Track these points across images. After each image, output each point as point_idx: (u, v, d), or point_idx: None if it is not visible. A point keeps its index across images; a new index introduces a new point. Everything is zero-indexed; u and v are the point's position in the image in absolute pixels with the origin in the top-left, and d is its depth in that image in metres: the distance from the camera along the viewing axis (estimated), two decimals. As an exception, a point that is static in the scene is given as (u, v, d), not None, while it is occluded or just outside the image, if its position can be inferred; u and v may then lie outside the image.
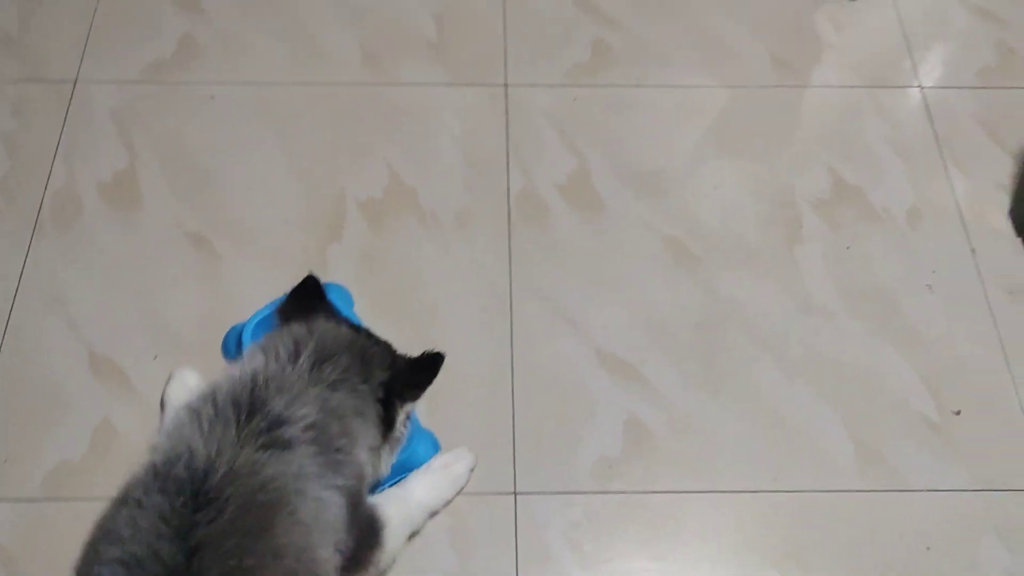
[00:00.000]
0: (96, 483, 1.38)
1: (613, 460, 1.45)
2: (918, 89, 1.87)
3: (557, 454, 1.45)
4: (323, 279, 1.55)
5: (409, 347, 1.23)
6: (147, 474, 1.01)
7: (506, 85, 1.84)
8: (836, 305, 1.61)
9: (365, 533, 1.17)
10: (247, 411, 1.02)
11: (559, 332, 1.56)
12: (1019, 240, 1.68)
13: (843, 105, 1.86)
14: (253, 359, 1.09)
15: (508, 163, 1.74)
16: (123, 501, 1.00)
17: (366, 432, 1.14)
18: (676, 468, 1.45)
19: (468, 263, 1.63)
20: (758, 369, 1.54)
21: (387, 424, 1.17)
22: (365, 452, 1.14)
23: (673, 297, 1.61)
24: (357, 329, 1.21)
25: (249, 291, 1.55)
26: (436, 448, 1.39)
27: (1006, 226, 1.70)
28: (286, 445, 1.02)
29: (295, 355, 1.09)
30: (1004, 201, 1.73)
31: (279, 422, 1.03)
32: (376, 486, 1.27)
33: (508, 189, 1.71)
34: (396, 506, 1.28)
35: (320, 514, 1.03)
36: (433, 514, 1.36)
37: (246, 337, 1.37)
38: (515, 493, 1.41)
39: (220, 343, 1.48)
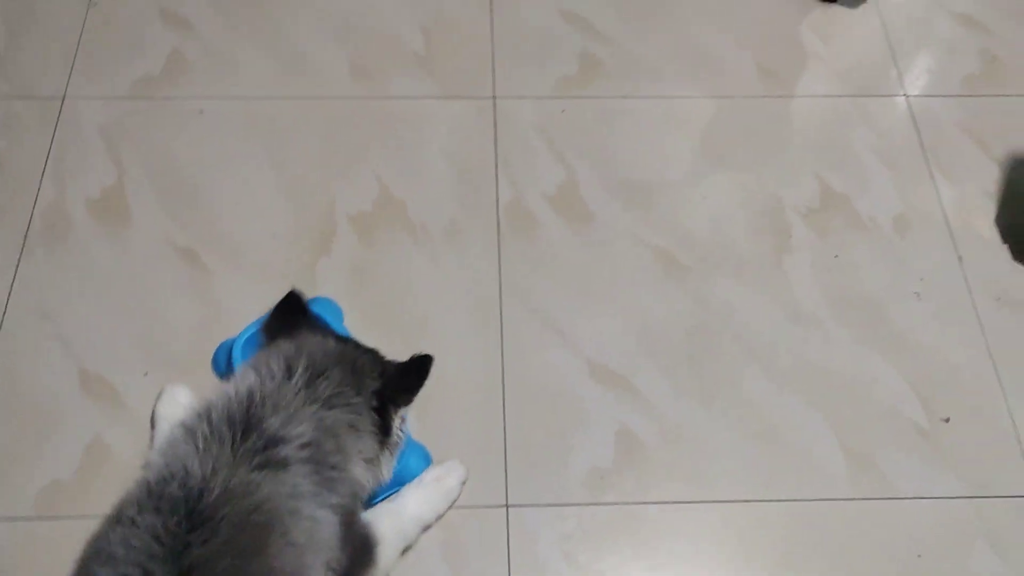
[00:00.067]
0: (88, 501, 1.37)
1: (605, 471, 1.45)
2: (903, 97, 1.89)
3: (548, 465, 1.45)
4: (313, 293, 1.57)
5: (398, 357, 1.23)
6: (141, 492, 1.01)
7: (494, 97, 1.85)
8: (825, 314, 1.62)
9: (359, 551, 1.17)
10: (242, 429, 1.02)
11: (549, 343, 1.57)
12: (1006, 247, 1.69)
13: (830, 114, 1.87)
14: (246, 377, 1.09)
15: (497, 175, 1.74)
16: (116, 519, 1.00)
17: (361, 446, 1.14)
18: (668, 478, 1.45)
19: (458, 275, 1.63)
20: (748, 378, 1.55)
21: (384, 431, 1.17)
22: (360, 467, 1.14)
23: (663, 307, 1.61)
24: (343, 340, 1.21)
25: (239, 306, 1.55)
26: (428, 461, 1.39)
27: (992, 233, 1.71)
28: (282, 464, 1.02)
29: (289, 373, 1.09)
30: (990, 208, 1.74)
31: (275, 441, 1.03)
32: (370, 500, 1.27)
33: (497, 201, 1.71)
34: (389, 521, 1.28)
35: (314, 534, 1.03)
36: (427, 528, 1.36)
37: (236, 352, 1.37)
38: (507, 506, 1.41)
39: (210, 358, 1.48)
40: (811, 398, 1.53)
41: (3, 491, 1.39)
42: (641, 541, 1.40)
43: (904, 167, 1.79)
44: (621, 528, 1.41)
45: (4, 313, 1.55)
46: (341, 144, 1.77)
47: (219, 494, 0.97)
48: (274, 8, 1.95)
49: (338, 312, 1.47)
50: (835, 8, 2.02)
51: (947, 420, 1.51)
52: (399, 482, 1.33)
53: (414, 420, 1.46)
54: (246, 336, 1.37)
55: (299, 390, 1.08)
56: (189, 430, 1.04)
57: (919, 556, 1.40)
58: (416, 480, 1.37)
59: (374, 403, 1.16)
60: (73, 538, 1.06)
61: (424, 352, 1.20)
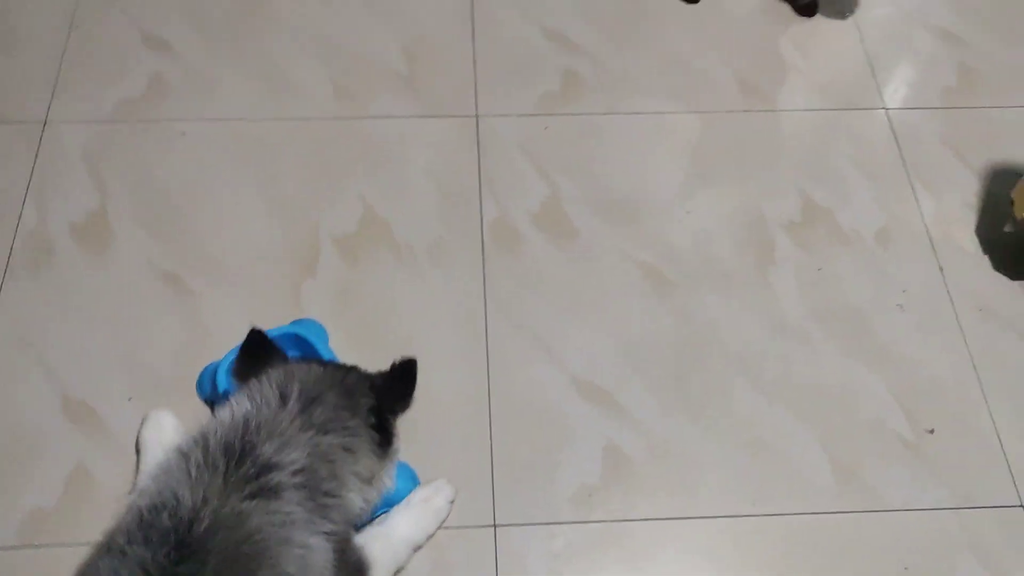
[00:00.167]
0: (72, 529, 1.36)
1: (593, 488, 1.45)
2: (883, 111, 1.90)
3: (536, 484, 1.45)
4: (298, 314, 1.57)
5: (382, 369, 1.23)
6: (132, 521, 1.00)
7: (477, 116, 1.85)
8: (810, 327, 1.62)
9: None
10: (237, 457, 1.02)
11: (535, 360, 1.57)
12: (987, 258, 1.71)
13: (811, 128, 1.88)
14: (241, 405, 1.09)
15: (481, 193, 1.75)
16: (107, 548, 1.00)
17: (358, 467, 1.14)
18: (655, 494, 1.45)
19: (443, 294, 1.63)
20: (734, 392, 1.55)
21: (385, 442, 1.17)
22: (356, 491, 1.14)
23: (648, 322, 1.62)
24: (326, 363, 1.21)
25: (224, 328, 1.54)
26: (415, 482, 1.38)
27: (973, 244, 1.72)
28: (274, 492, 1.01)
29: (283, 400, 1.09)
30: (971, 219, 1.76)
31: (268, 468, 1.02)
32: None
33: (481, 219, 1.72)
34: (380, 544, 1.28)
35: (306, 562, 1.03)
36: (417, 549, 1.36)
37: (221, 376, 1.36)
38: (495, 525, 1.41)
39: (195, 382, 1.48)
40: (797, 411, 1.53)
41: (-14, 520, 1.38)
42: (630, 558, 1.40)
43: (885, 180, 1.81)
44: (610, 546, 1.40)
45: (-14, 339, 1.54)
46: (325, 165, 1.77)
47: (209, 524, 0.97)
48: (256, 30, 1.95)
49: (323, 334, 1.46)
50: (815, 22, 2.04)
51: (932, 431, 1.52)
52: (387, 504, 1.33)
53: (400, 440, 1.46)
54: (230, 359, 1.37)
55: (294, 417, 1.08)
56: (184, 456, 1.04)
57: (906, 568, 1.40)
58: (404, 501, 1.36)
59: (372, 420, 1.16)
60: (57, 567, 1.06)
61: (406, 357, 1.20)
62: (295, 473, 1.04)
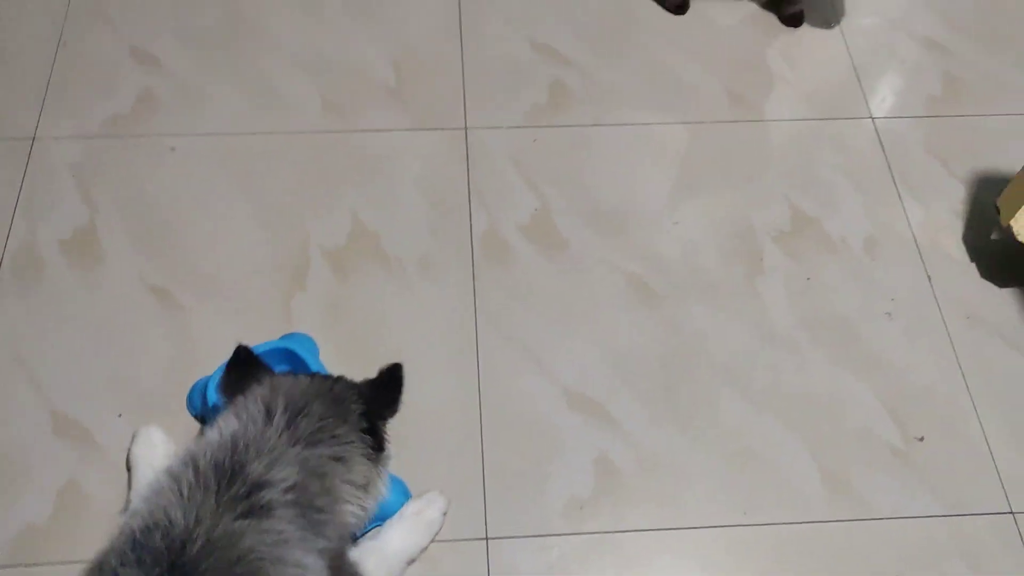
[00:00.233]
0: (63, 546, 1.36)
1: (584, 500, 1.45)
2: (869, 120, 1.92)
3: (527, 496, 1.45)
4: (288, 328, 1.57)
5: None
6: (125, 542, 1.00)
7: (466, 128, 1.86)
8: (799, 336, 1.63)
9: None
10: (228, 477, 1.02)
11: (526, 372, 1.57)
12: (974, 266, 1.72)
13: (798, 138, 1.89)
14: (229, 424, 1.09)
15: (470, 205, 1.75)
16: (99, 570, 0.99)
17: (351, 475, 1.14)
18: (646, 506, 1.45)
19: (434, 306, 1.63)
20: (724, 402, 1.56)
21: (377, 447, 1.17)
22: (351, 500, 1.13)
23: (638, 333, 1.62)
24: (313, 375, 1.21)
25: (214, 343, 1.54)
26: (407, 495, 1.38)
27: (960, 252, 1.74)
28: (266, 510, 1.01)
29: (269, 415, 1.09)
30: (958, 227, 1.77)
31: (258, 486, 1.02)
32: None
33: (471, 231, 1.72)
34: (375, 559, 1.28)
35: None
36: (411, 562, 1.36)
37: (211, 391, 1.36)
38: (487, 538, 1.41)
39: (185, 397, 1.47)
40: (787, 420, 1.54)
41: (-24, 538, 1.38)
42: (622, 570, 1.40)
43: (872, 188, 1.82)
44: (602, 557, 1.41)
45: (-24, 357, 1.54)
46: (314, 179, 1.77)
47: (202, 545, 0.96)
48: (244, 44, 1.95)
49: (314, 348, 1.46)
50: (801, 33, 2.05)
51: (921, 439, 1.53)
52: (379, 517, 1.33)
53: (391, 452, 1.46)
54: (220, 375, 1.37)
55: (281, 431, 1.08)
56: (175, 478, 1.04)
57: None
58: (397, 514, 1.36)
59: (364, 425, 1.16)
60: (47, 586, 1.05)
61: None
62: (286, 490, 1.03)
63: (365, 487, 1.16)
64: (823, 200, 1.80)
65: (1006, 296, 1.68)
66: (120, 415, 1.48)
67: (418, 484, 1.42)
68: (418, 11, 2.03)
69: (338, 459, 1.11)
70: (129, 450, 1.41)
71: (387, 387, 1.19)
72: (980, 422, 1.54)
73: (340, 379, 1.22)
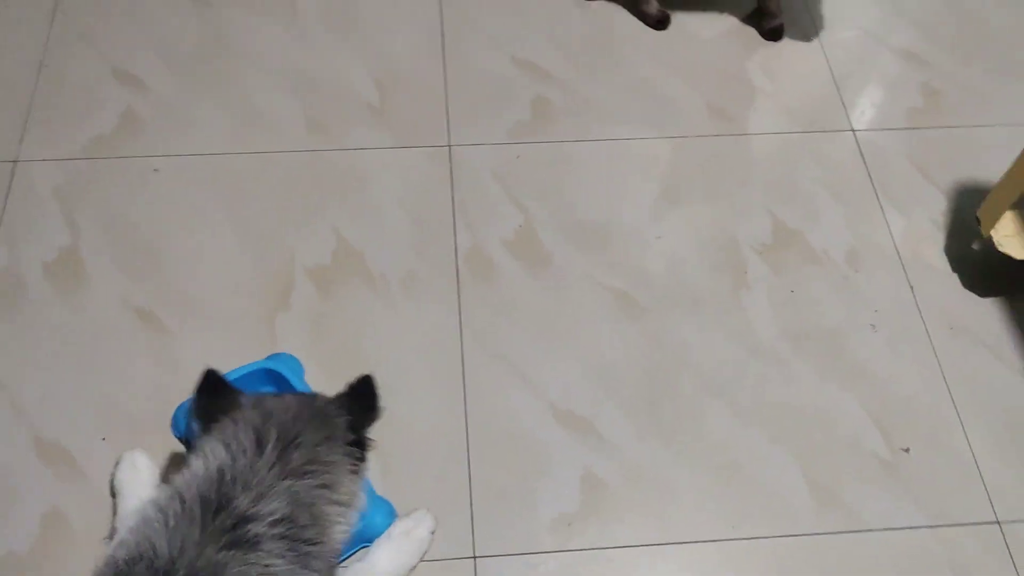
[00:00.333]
0: (46, 573, 1.34)
1: (571, 516, 1.45)
2: (850, 132, 1.93)
3: (515, 513, 1.45)
4: (273, 348, 1.57)
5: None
6: (109, 572, 0.99)
7: (450, 145, 1.86)
8: (784, 348, 1.63)
9: None
10: (214, 509, 1.01)
11: (512, 388, 1.57)
12: (956, 276, 1.73)
13: (780, 151, 1.90)
14: (217, 454, 1.07)
15: (455, 222, 1.75)
16: None
17: (337, 496, 1.13)
18: (634, 521, 1.45)
19: (418, 324, 1.63)
20: (710, 416, 1.56)
21: (361, 457, 1.17)
22: (338, 521, 1.13)
23: (623, 348, 1.62)
24: (297, 396, 1.20)
25: (199, 365, 1.50)
26: (392, 516, 1.38)
27: (942, 263, 1.75)
28: (252, 543, 1.00)
29: (260, 446, 1.07)
30: (939, 238, 1.78)
31: (245, 520, 1.01)
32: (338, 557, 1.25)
33: (455, 248, 1.72)
34: None
35: None
36: (400, 582, 1.36)
37: (182, 416, 1.35)
38: (474, 557, 1.40)
39: (169, 421, 1.46)
40: (773, 433, 1.54)
41: (-41, 566, 1.36)
42: (610, 586, 1.40)
43: (854, 200, 1.83)
44: (590, 574, 1.40)
45: (-42, 382, 1.52)
46: (298, 198, 1.77)
47: (184, 575, 0.96)
48: (227, 64, 1.95)
49: (298, 368, 1.46)
50: (781, 46, 2.07)
51: (907, 450, 1.53)
52: (365, 539, 1.32)
53: (378, 472, 1.46)
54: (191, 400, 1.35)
55: (272, 464, 1.06)
56: (161, 509, 1.03)
57: (886, 588, 1.41)
58: (385, 535, 1.36)
59: (350, 438, 1.16)
60: (30, 614, 1.04)
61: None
62: (274, 523, 1.02)
63: (350, 503, 1.16)
64: (805, 212, 1.80)
65: (988, 306, 1.69)
66: (104, 439, 1.47)
67: (405, 503, 1.41)
68: (400, 29, 2.04)
69: (325, 486, 1.10)
70: (113, 475, 1.40)
71: (364, 395, 1.19)
72: (965, 432, 1.55)
73: (319, 396, 1.22)
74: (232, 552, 0.98)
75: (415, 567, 1.37)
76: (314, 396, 1.21)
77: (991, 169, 1.78)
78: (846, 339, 1.65)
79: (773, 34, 2.07)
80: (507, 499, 1.46)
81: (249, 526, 1.01)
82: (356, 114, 1.89)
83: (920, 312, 1.68)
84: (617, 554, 1.42)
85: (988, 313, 1.68)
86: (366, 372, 1.20)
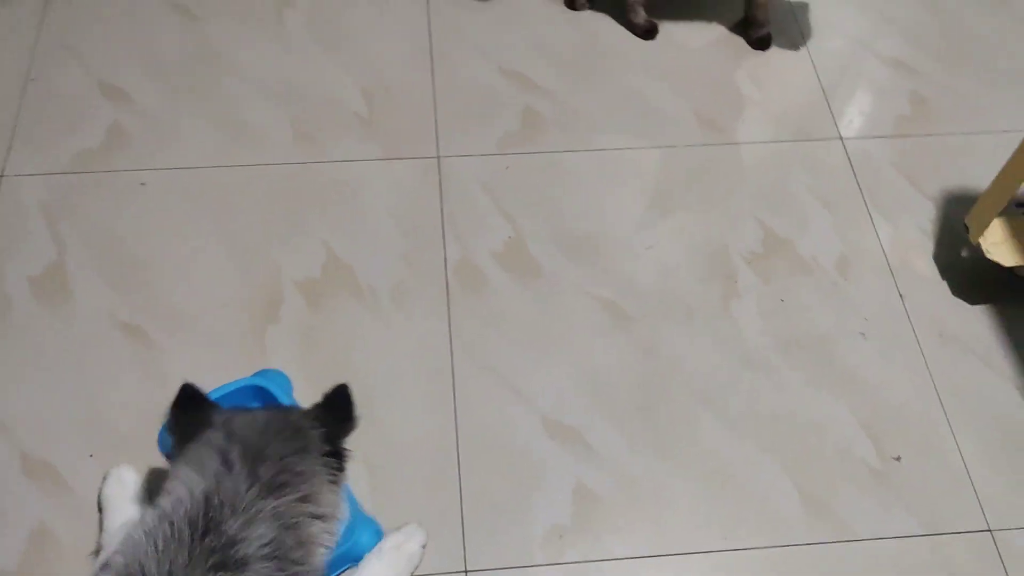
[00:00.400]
0: (33, 591, 1.34)
1: (564, 529, 1.44)
2: (839, 140, 1.93)
3: (507, 527, 1.44)
4: (263, 361, 1.56)
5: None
6: None
7: (439, 157, 1.86)
8: (774, 357, 1.63)
9: None
10: (202, 532, 1.01)
11: (503, 400, 1.56)
12: (945, 283, 1.73)
13: (769, 159, 1.91)
14: (191, 479, 1.06)
15: (444, 234, 1.75)
16: None
17: (320, 511, 1.12)
18: (627, 533, 1.45)
19: (409, 336, 1.63)
20: (701, 426, 1.55)
21: (339, 468, 1.16)
22: (323, 540, 1.12)
23: (614, 359, 1.62)
24: (266, 409, 1.19)
25: (186, 379, 1.52)
26: (379, 535, 1.37)
27: (932, 270, 1.75)
28: (240, 564, 1.00)
29: (228, 465, 1.07)
30: (928, 245, 1.78)
31: (233, 542, 1.01)
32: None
33: (445, 260, 1.72)
34: None
35: None
36: (392, 599, 1.35)
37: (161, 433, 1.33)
38: (466, 571, 1.39)
39: (156, 437, 1.45)
40: (765, 443, 1.54)
41: (-56, 585, 1.35)
42: (603, 599, 1.39)
43: (843, 208, 1.83)
44: (582, 587, 1.40)
45: (-57, 399, 1.51)
46: (286, 210, 1.77)
47: None
48: (214, 76, 1.95)
49: (287, 384, 1.45)
50: (769, 55, 2.07)
51: (898, 458, 1.53)
52: (350, 558, 1.31)
53: (367, 486, 1.45)
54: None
55: (250, 485, 1.06)
56: (149, 533, 1.02)
57: (879, 598, 1.40)
58: (375, 550, 1.35)
59: (326, 448, 1.15)
60: (16, 635, 1.03)
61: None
62: (263, 546, 1.02)
63: (332, 514, 1.15)
64: (795, 221, 1.81)
65: (978, 313, 1.69)
66: (91, 455, 1.46)
67: (395, 517, 1.41)
68: (389, 40, 2.03)
69: (305, 499, 1.10)
70: (100, 491, 1.39)
71: (339, 405, 1.19)
72: (956, 440, 1.55)
73: (292, 408, 1.21)
74: (220, 574, 0.98)
75: (406, 582, 1.36)
76: (287, 409, 1.20)
77: (979, 176, 1.78)
78: (836, 347, 1.65)
79: (761, 43, 2.08)
80: (499, 512, 1.45)
81: (237, 547, 1.00)
82: (344, 126, 1.89)
83: (910, 320, 1.68)
84: (610, 566, 1.41)
85: (977, 320, 1.69)
86: (342, 381, 1.19)
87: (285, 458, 1.10)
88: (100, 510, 1.39)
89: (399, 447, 1.50)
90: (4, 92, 1.90)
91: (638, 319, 1.66)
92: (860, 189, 1.86)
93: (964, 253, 1.68)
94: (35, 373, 1.54)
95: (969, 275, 1.73)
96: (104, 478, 1.40)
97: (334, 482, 1.15)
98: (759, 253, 1.76)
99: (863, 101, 2.02)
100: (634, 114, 1.95)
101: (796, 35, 2.10)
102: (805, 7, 2.14)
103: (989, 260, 1.62)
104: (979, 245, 1.63)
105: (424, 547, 1.39)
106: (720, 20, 2.12)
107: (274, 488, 1.07)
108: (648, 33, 2.08)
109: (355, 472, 1.46)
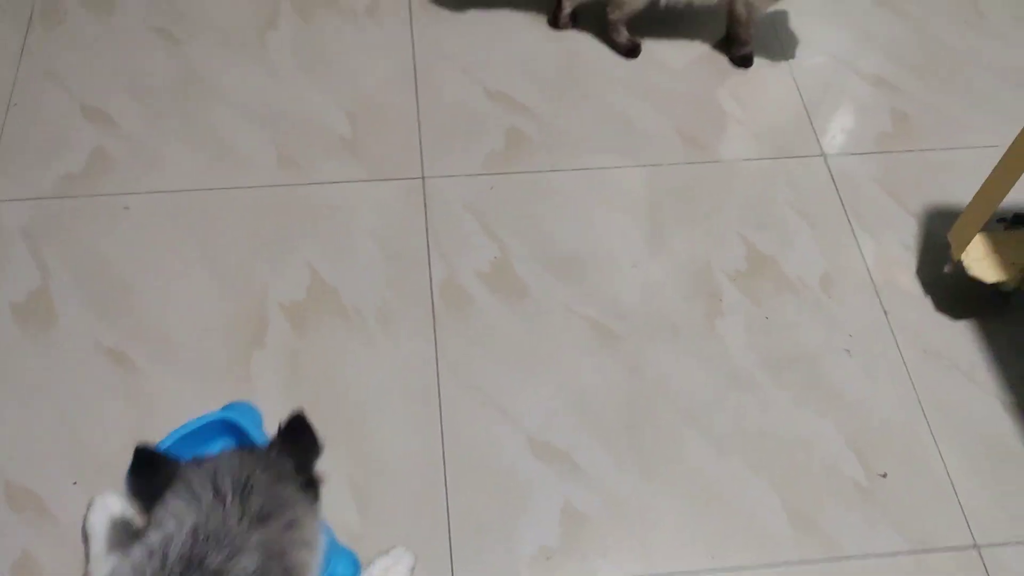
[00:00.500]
0: (16, 622, 1.32)
1: (552, 550, 1.44)
2: (821, 157, 1.94)
3: (495, 548, 1.44)
4: (248, 386, 1.56)
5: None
6: None
7: (423, 178, 1.86)
8: (760, 376, 1.64)
9: None
10: (188, 566, 1.00)
11: (489, 421, 1.56)
12: (929, 299, 1.74)
13: (752, 177, 1.92)
14: (183, 513, 1.06)
15: (429, 255, 1.75)
16: None
17: (305, 536, 1.12)
18: (614, 553, 1.44)
19: (395, 358, 1.62)
20: (688, 445, 1.56)
21: (315, 495, 1.16)
22: (308, 567, 1.11)
23: (600, 378, 1.62)
24: (236, 450, 1.19)
25: (172, 405, 1.52)
26: (356, 566, 1.34)
27: (915, 286, 1.76)
28: None
29: (220, 498, 1.06)
30: (911, 261, 1.79)
31: (219, 573, 1.00)
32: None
33: (431, 280, 1.72)
34: None
35: None
36: (379, 623, 1.34)
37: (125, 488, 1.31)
38: (454, 595, 1.39)
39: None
40: (751, 460, 1.54)
41: (-74, 617, 1.34)
42: (591, 621, 1.39)
43: (826, 225, 1.84)
44: (571, 609, 1.39)
45: (-75, 427, 1.50)
46: (271, 233, 1.76)
47: None
48: (197, 99, 1.95)
49: (257, 417, 1.42)
50: (752, 73, 2.09)
51: (884, 475, 1.53)
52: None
53: (355, 510, 1.45)
54: (166, 446, 1.32)
55: (240, 516, 1.05)
56: (136, 567, 1.01)
57: (867, 616, 1.40)
58: (364, 574, 1.34)
59: (300, 478, 1.14)
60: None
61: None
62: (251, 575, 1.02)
63: (315, 542, 1.15)
64: (779, 238, 1.81)
65: (961, 328, 1.70)
66: (75, 483, 1.45)
67: (382, 540, 1.40)
68: (372, 61, 2.04)
69: (291, 525, 1.09)
70: (85, 519, 1.38)
71: (300, 434, 1.18)
72: (941, 455, 1.56)
73: (256, 446, 1.20)
74: None
75: (395, 607, 1.35)
76: (253, 446, 1.19)
77: (961, 192, 1.79)
78: (822, 364, 1.65)
79: (743, 61, 2.09)
80: (486, 534, 1.45)
81: None
82: (328, 148, 1.89)
83: (894, 336, 1.69)
84: (598, 588, 1.41)
85: (961, 335, 1.70)
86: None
87: (271, 487, 1.09)
88: (85, 540, 1.37)
89: (386, 469, 1.50)
90: (-14, 117, 1.89)
91: (624, 338, 1.67)
92: (843, 205, 1.87)
93: (947, 269, 1.69)
94: (18, 399, 1.53)
95: (952, 290, 1.74)
96: (89, 506, 1.38)
97: (314, 509, 1.15)
98: (743, 271, 1.77)
99: (845, 118, 2.03)
100: (618, 133, 1.96)
101: (778, 53, 2.12)
102: (787, 25, 2.15)
103: (971, 276, 1.63)
104: (961, 261, 1.64)
105: (413, 570, 1.38)
106: (702, 38, 2.13)
107: (262, 518, 1.06)
108: (631, 52, 2.09)
109: (341, 495, 1.46)
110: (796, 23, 2.15)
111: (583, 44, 2.11)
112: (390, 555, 1.38)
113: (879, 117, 2.02)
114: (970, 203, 1.62)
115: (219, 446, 1.34)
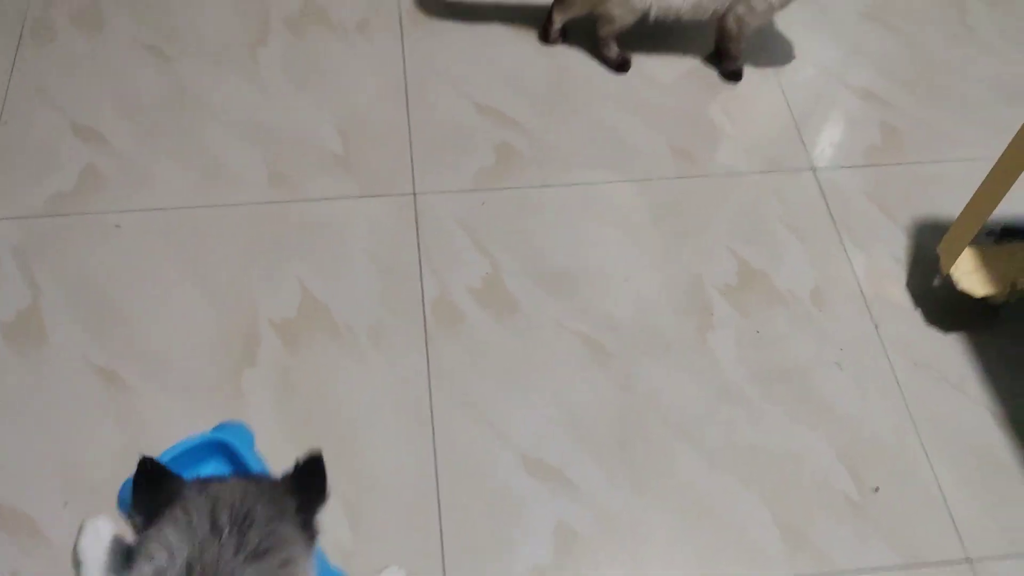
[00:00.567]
0: (7, 645, 1.32)
1: (545, 568, 1.44)
2: (811, 171, 1.95)
3: (487, 566, 1.44)
4: (240, 404, 1.56)
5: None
6: None
7: (415, 194, 1.86)
8: (751, 390, 1.64)
9: None
10: None
11: (482, 438, 1.56)
12: (919, 312, 1.74)
13: (742, 191, 1.92)
14: (176, 544, 1.05)
15: (421, 271, 1.75)
16: None
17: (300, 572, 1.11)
18: (607, 569, 1.44)
19: (387, 375, 1.62)
20: (679, 459, 1.56)
21: (311, 538, 1.15)
22: None
23: (591, 394, 1.62)
24: (241, 478, 1.18)
25: (164, 425, 1.52)
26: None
27: (904, 299, 1.76)
28: None
29: (216, 531, 1.05)
30: (901, 275, 1.80)
31: None
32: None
33: (423, 297, 1.72)
34: None
35: None
36: (378, 645, 1.34)
37: (121, 505, 1.30)
38: (446, 614, 1.39)
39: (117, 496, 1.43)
40: (743, 476, 1.54)
41: (-84, 641, 1.33)
42: (584, 638, 1.39)
43: (816, 239, 1.85)
44: (563, 626, 1.39)
45: (-85, 448, 1.49)
46: (262, 251, 1.76)
47: None
48: (188, 116, 1.95)
49: (248, 437, 1.41)
50: (741, 87, 2.10)
51: (876, 489, 1.53)
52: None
53: (347, 528, 1.44)
54: (127, 490, 1.30)
55: (236, 550, 1.04)
56: None
57: (860, 631, 1.40)
58: (357, 595, 1.33)
59: (300, 520, 1.14)
60: None
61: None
62: None
63: None
64: (769, 252, 1.82)
65: (951, 341, 1.71)
66: (66, 504, 1.44)
67: (375, 557, 1.40)
68: (363, 78, 2.04)
69: (287, 563, 1.08)
70: (76, 543, 1.37)
71: (312, 476, 1.17)
72: (932, 469, 1.56)
73: (263, 477, 1.19)
74: None
75: (390, 625, 1.35)
76: (259, 477, 1.18)
77: (950, 206, 1.79)
78: (813, 378, 1.66)
79: (733, 75, 2.10)
80: (479, 552, 1.45)
81: None
82: (320, 164, 1.89)
83: (885, 349, 1.69)
84: (590, 605, 1.41)
85: (951, 348, 1.70)
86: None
87: (271, 523, 1.08)
88: (75, 565, 1.36)
89: (378, 486, 1.50)
90: (-23, 135, 1.89)
91: (616, 353, 1.67)
92: (833, 219, 1.88)
93: (937, 282, 1.70)
94: (8, 419, 1.53)
95: (942, 303, 1.75)
96: (79, 530, 1.37)
97: (309, 549, 1.14)
98: (734, 285, 1.77)
99: (834, 131, 2.04)
100: (608, 147, 1.97)
101: (767, 66, 2.13)
102: (776, 39, 2.16)
103: (960, 289, 1.63)
104: (951, 274, 1.64)
105: (406, 588, 1.38)
106: (692, 53, 2.14)
107: (258, 554, 1.05)
108: (621, 67, 2.10)
109: (334, 512, 1.45)
110: (785, 37, 2.17)
111: (573, 59, 2.12)
112: (383, 573, 1.37)
113: (868, 130, 2.03)
114: (959, 216, 1.63)
115: (211, 467, 1.33)
